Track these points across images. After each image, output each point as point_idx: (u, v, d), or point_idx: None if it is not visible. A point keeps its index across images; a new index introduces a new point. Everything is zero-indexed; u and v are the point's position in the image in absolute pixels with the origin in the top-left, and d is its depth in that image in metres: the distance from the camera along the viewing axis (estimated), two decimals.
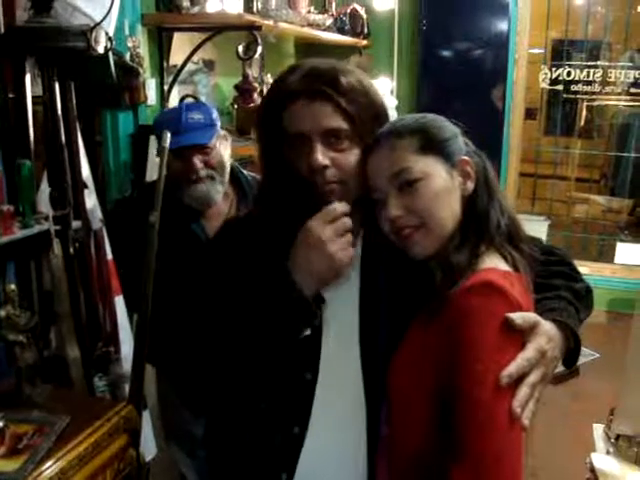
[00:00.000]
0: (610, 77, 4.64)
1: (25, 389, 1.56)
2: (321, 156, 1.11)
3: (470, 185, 1.15)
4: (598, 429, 1.89)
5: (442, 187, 1.11)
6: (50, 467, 1.38)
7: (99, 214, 2.04)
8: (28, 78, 1.59)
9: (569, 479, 2.79)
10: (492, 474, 0.97)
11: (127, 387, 1.91)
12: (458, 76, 4.51)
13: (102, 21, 1.54)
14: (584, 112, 5.52)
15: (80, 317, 1.76)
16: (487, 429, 0.97)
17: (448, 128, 1.16)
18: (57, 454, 1.41)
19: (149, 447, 2.00)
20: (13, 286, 1.53)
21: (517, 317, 1.01)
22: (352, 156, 1.14)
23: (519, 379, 1.00)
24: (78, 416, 1.52)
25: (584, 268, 4.76)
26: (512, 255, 1.11)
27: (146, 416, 2.02)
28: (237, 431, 1.23)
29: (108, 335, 1.93)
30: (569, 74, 4.67)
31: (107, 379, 1.89)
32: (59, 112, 1.64)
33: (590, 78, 4.66)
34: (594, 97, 4.90)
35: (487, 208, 1.13)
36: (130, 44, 2.59)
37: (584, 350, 3.97)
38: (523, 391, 0.99)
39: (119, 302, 2.08)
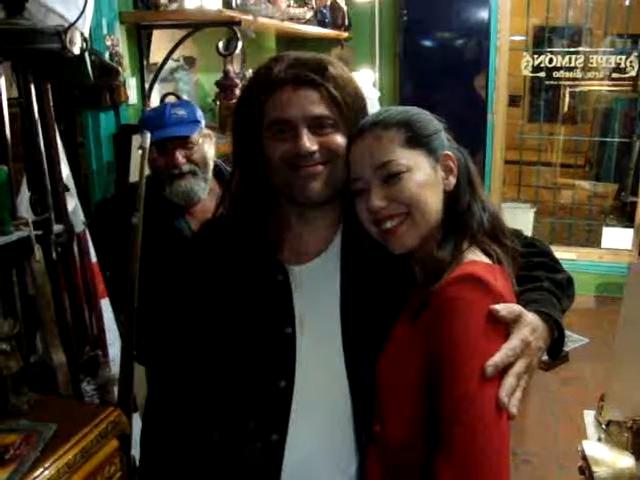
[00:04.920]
0: (592, 63, 4.64)
1: (10, 398, 1.53)
2: (308, 142, 1.10)
3: (452, 180, 1.15)
4: (589, 415, 1.89)
5: (426, 180, 1.10)
6: (38, 477, 1.36)
7: (81, 217, 2.02)
8: (3, 81, 1.56)
9: (562, 465, 2.82)
10: (479, 464, 0.96)
11: (116, 390, 1.90)
12: (440, 65, 4.51)
13: (76, 21, 1.52)
14: (567, 98, 5.54)
15: (65, 322, 1.74)
16: (473, 419, 0.97)
17: (432, 123, 1.16)
18: (45, 463, 1.39)
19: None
20: None
21: (501, 308, 1.01)
22: (337, 138, 1.13)
23: (505, 370, 1.00)
24: (66, 423, 1.50)
25: (571, 254, 4.79)
26: (495, 250, 1.11)
27: (137, 418, 2.01)
28: (215, 439, 1.21)
29: (95, 338, 1.92)
30: (551, 61, 4.67)
31: (95, 383, 1.87)
32: (36, 115, 1.61)
33: (572, 64, 4.67)
34: (576, 83, 4.91)
35: (469, 204, 1.13)
36: (109, 43, 2.56)
37: (573, 335, 4.00)
38: (509, 381, 0.99)
39: (105, 305, 2.07)
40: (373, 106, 3.68)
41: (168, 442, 1.24)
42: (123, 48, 2.69)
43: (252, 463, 1.17)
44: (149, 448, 1.30)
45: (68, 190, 1.88)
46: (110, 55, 2.55)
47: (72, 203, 1.93)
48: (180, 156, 1.98)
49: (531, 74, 4.75)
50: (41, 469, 1.38)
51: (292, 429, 1.16)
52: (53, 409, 1.60)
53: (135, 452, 1.77)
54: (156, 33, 2.87)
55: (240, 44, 2.70)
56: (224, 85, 3.10)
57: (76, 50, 1.56)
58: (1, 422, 1.50)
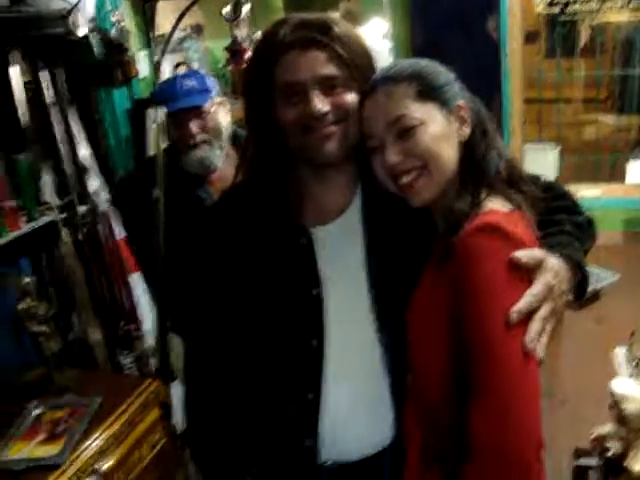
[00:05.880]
0: None
1: (54, 376, 1.60)
2: (320, 103, 1.10)
3: (466, 130, 1.14)
4: (620, 353, 1.90)
5: (440, 132, 1.10)
6: (88, 447, 1.44)
7: (105, 195, 2.05)
8: (14, 70, 1.58)
9: (598, 404, 2.82)
10: (510, 410, 0.98)
11: (153, 361, 1.96)
12: (452, 9, 4.39)
13: (78, 3, 1.52)
14: (585, 32, 5.37)
15: (98, 300, 1.79)
16: (501, 366, 0.98)
17: (443, 74, 1.14)
18: (93, 435, 1.47)
19: (182, 417, 2.05)
20: (28, 279, 1.56)
21: (523, 255, 1.01)
22: (349, 96, 1.12)
23: (530, 315, 1.00)
24: (108, 396, 1.57)
25: (597, 190, 4.72)
26: (513, 197, 1.10)
27: (177, 387, 2.07)
28: (251, 403, 1.25)
29: (128, 313, 1.96)
30: None
31: (132, 356, 1.93)
32: (48, 100, 1.63)
33: None
34: (594, 15, 4.76)
35: (485, 153, 1.12)
36: (114, 19, 2.55)
37: (603, 273, 3.93)
38: (534, 326, 0.99)
39: (136, 279, 2.12)
40: (385, 59, 3.62)
41: (209, 406, 1.29)
42: (129, 23, 2.67)
43: (290, 421, 1.21)
44: (192, 413, 1.35)
45: (89, 170, 1.91)
46: (117, 31, 2.55)
47: (95, 183, 1.96)
48: (194, 126, 1.98)
49: (545, 11, 4.61)
50: (90, 440, 1.46)
51: (326, 386, 1.19)
52: (95, 383, 1.67)
53: (176, 420, 1.83)
54: (161, 4, 2.84)
55: (245, 8, 2.67)
56: (233, 50, 3.07)
57: (81, 32, 1.57)
58: (48, 399, 1.58)
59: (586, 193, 4.69)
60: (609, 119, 5.62)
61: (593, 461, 1.71)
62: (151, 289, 2.11)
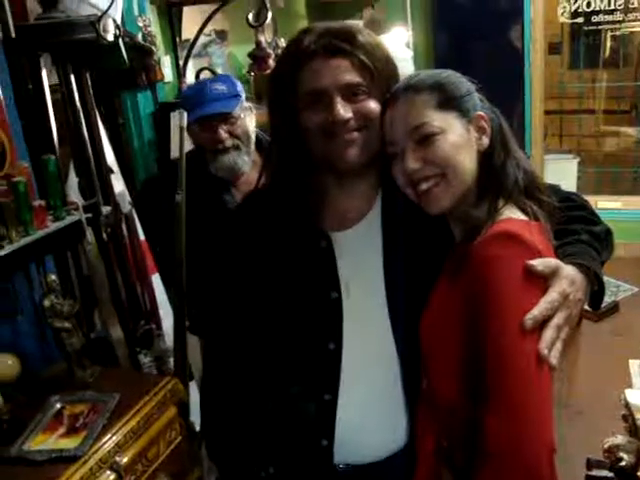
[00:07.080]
0: (633, 3, 4.46)
1: (76, 371, 1.65)
2: (342, 110, 1.12)
3: (485, 140, 1.15)
4: (634, 365, 1.90)
5: (459, 141, 1.12)
6: (107, 442, 1.48)
7: (128, 197, 2.09)
8: (44, 74, 1.63)
9: (613, 415, 2.81)
10: (523, 415, 0.99)
11: (172, 360, 1.99)
12: (475, 19, 4.40)
13: (108, 9, 1.56)
14: (608, 42, 5.33)
15: (120, 299, 1.82)
16: (514, 371, 1.00)
17: (464, 84, 1.16)
18: (112, 429, 1.51)
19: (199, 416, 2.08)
20: (54, 276, 1.61)
21: (538, 263, 1.02)
22: (371, 103, 1.15)
23: (544, 323, 1.01)
24: (127, 393, 1.61)
25: (617, 203, 4.69)
26: (531, 207, 1.12)
27: (194, 386, 2.10)
28: (269, 402, 1.27)
29: (148, 313, 2.00)
30: (589, 5, 4.51)
31: (152, 355, 1.96)
32: (77, 104, 1.68)
33: (611, 7, 4.49)
34: (617, 26, 4.72)
35: (503, 163, 1.14)
36: (140, 23, 2.60)
37: (623, 285, 3.89)
38: (548, 333, 1.01)
39: (156, 280, 2.15)
40: (408, 67, 3.62)
41: (227, 404, 1.31)
42: (155, 27, 2.73)
43: (307, 421, 1.23)
44: (210, 410, 1.38)
45: (113, 172, 1.95)
46: (143, 35, 2.60)
47: (119, 185, 2.00)
48: (223, 132, 1.99)
49: (569, 21, 4.60)
50: (109, 435, 1.50)
51: (343, 388, 1.21)
52: (115, 380, 1.71)
53: (194, 418, 1.86)
54: (186, 10, 2.89)
55: (270, 14, 2.70)
56: (257, 56, 3.12)
57: (110, 37, 1.61)
58: (69, 394, 1.62)
59: (606, 205, 4.67)
60: (631, 131, 5.57)
61: (606, 472, 1.71)
62: (169, 290, 2.15)
